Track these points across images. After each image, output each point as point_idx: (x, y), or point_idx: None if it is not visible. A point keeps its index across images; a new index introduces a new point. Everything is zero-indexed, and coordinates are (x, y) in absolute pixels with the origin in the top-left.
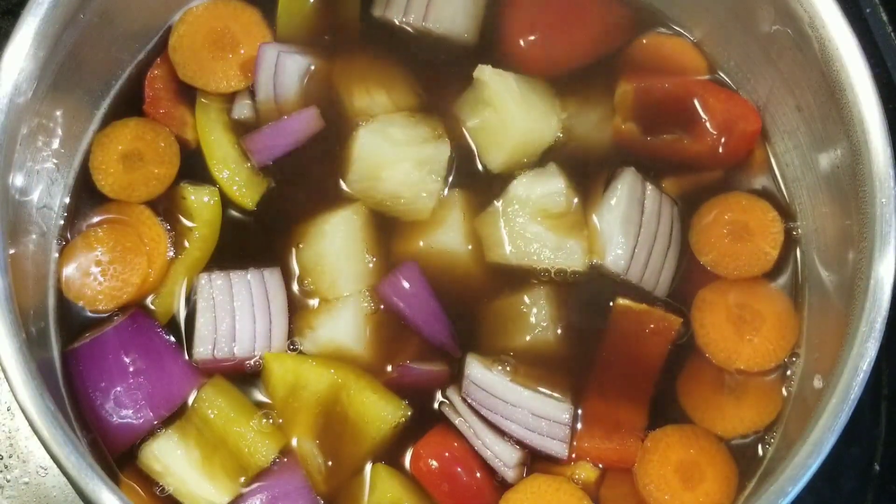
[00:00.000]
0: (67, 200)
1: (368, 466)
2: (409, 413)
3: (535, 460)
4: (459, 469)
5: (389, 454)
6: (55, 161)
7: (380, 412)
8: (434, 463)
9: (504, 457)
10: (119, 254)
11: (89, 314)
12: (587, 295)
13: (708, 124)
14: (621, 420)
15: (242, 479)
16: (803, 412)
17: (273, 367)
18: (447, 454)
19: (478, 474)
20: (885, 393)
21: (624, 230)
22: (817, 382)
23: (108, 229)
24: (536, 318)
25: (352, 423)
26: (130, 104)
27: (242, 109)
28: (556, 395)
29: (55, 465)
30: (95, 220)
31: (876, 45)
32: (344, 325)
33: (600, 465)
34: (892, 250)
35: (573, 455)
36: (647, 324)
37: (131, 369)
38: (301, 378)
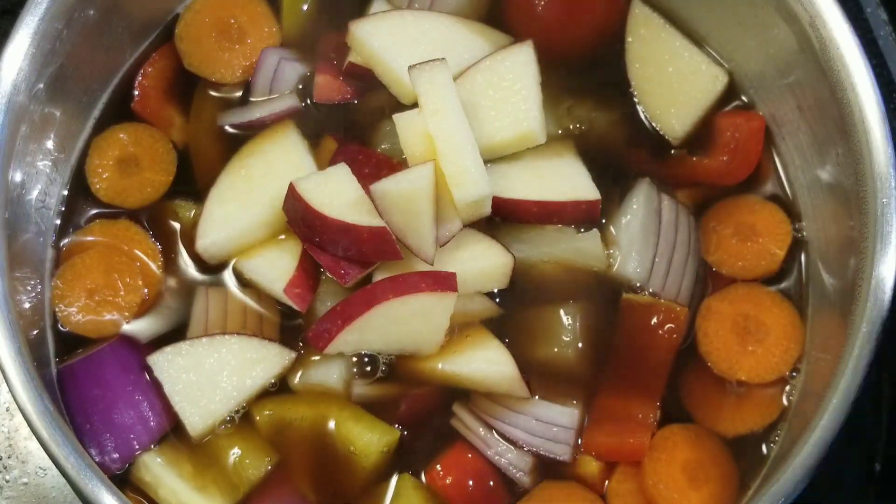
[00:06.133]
0: (65, 199)
1: (395, 477)
2: (398, 437)
3: (547, 463)
4: (478, 484)
5: (413, 470)
6: (53, 159)
7: (366, 440)
8: (451, 479)
9: (518, 464)
10: (112, 277)
11: None
12: (608, 307)
13: (716, 140)
14: (632, 414)
15: (235, 496)
16: (806, 413)
17: (254, 410)
18: (463, 469)
19: (494, 487)
20: (886, 393)
21: (642, 241)
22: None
23: (94, 254)
24: (565, 334)
25: (342, 453)
26: (126, 103)
27: (233, 117)
28: (563, 400)
29: (54, 466)
30: (83, 239)
31: (877, 45)
32: (338, 372)
33: (602, 459)
34: (893, 250)
35: (581, 450)
36: (653, 316)
37: (129, 388)
38: (285, 416)
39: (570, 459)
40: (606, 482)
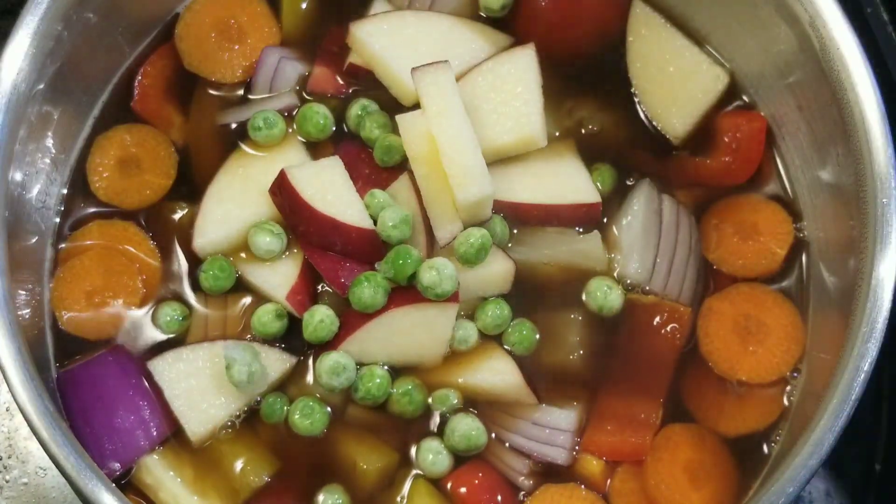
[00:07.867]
0: (64, 198)
1: (409, 481)
2: (395, 458)
3: (548, 465)
4: (485, 489)
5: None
6: (53, 159)
7: (364, 460)
8: (464, 490)
9: (518, 467)
10: (110, 279)
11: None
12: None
13: (718, 141)
14: (635, 413)
15: (235, 501)
16: (806, 413)
17: (258, 427)
18: (474, 476)
19: (500, 490)
20: (886, 393)
21: (644, 242)
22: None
23: (93, 256)
24: (568, 337)
25: (342, 469)
26: (126, 103)
27: (233, 116)
28: (565, 402)
29: (54, 466)
30: (82, 240)
31: (877, 45)
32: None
33: (604, 459)
34: (893, 250)
35: (582, 450)
36: (657, 316)
37: (130, 392)
38: (291, 431)
39: (567, 463)
40: (608, 481)
